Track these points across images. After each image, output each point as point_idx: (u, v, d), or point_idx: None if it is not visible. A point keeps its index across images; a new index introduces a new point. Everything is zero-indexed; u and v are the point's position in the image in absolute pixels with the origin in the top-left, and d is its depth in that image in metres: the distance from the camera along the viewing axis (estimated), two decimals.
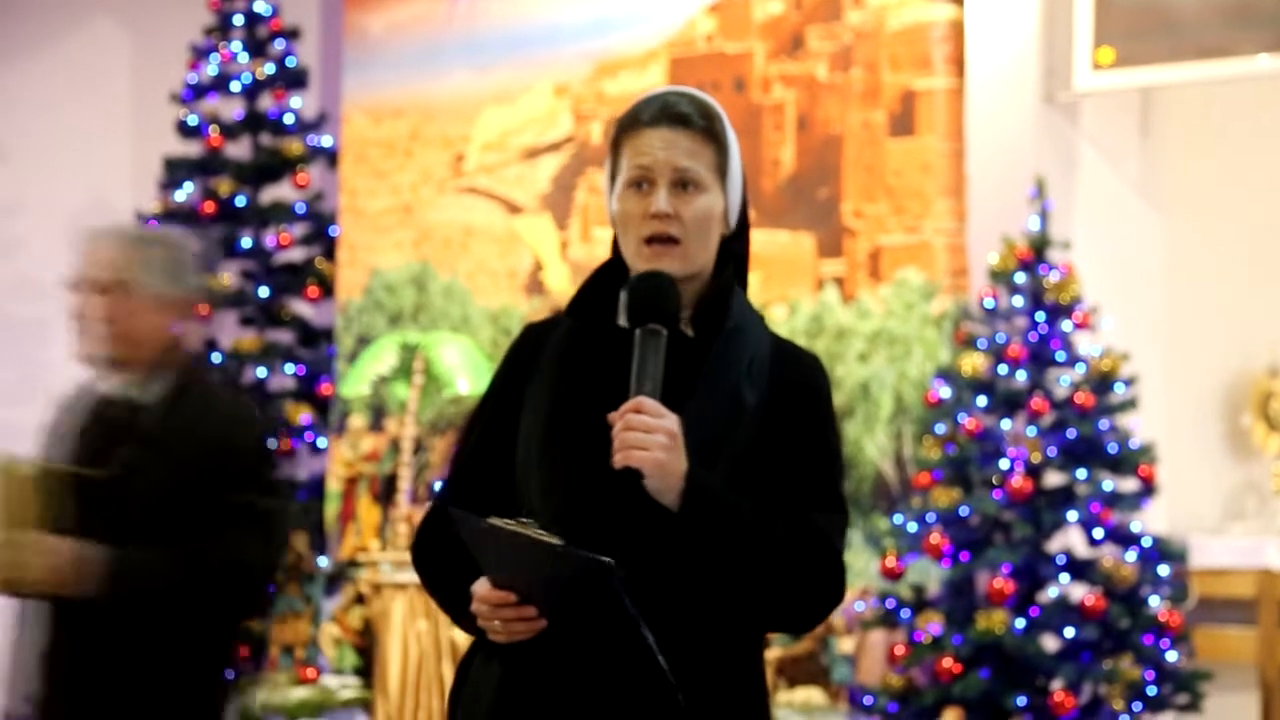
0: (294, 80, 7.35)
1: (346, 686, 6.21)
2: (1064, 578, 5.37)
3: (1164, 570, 5.44)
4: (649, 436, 2.19)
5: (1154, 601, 5.40)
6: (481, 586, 2.23)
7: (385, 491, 6.89)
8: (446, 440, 6.88)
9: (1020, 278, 5.61)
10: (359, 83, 7.32)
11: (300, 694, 6.14)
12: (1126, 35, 6.07)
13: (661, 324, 2.26)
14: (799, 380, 2.40)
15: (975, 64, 6.12)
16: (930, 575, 5.56)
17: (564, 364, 2.37)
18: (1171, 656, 5.37)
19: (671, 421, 2.21)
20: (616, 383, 2.27)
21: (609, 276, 2.40)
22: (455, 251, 7.07)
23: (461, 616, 2.33)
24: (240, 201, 7.24)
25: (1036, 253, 5.62)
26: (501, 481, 2.38)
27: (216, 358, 7.10)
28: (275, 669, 6.37)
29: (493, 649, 2.31)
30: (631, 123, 2.37)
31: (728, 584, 2.24)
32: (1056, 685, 5.29)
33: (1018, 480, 5.37)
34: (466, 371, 6.79)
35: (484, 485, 2.39)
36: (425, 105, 7.20)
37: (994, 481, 5.41)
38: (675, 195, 2.33)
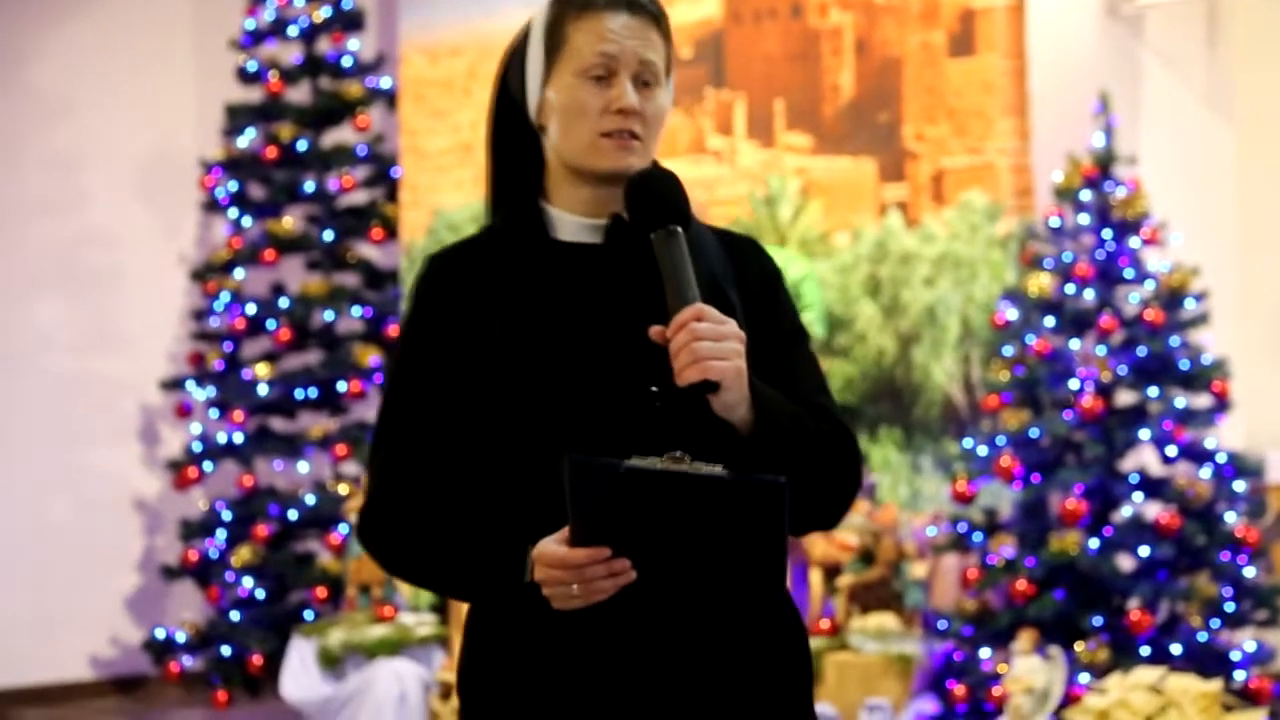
0: (350, 22, 7.32)
1: (423, 623, 6.20)
2: (1137, 496, 5.31)
3: (1239, 486, 5.37)
4: (723, 345, 1.96)
5: (1230, 518, 5.32)
6: (557, 549, 1.94)
7: None
8: None
9: (1086, 195, 5.53)
10: (415, 23, 7.26)
11: (379, 632, 6.14)
12: None
13: (677, 223, 2.04)
14: (757, 270, 2.17)
15: None
16: (1002, 498, 5.50)
17: (532, 283, 2.09)
18: (1249, 572, 5.30)
19: (734, 325, 1.99)
20: (608, 294, 2.07)
21: (513, 183, 2.16)
22: None
23: (465, 585, 2.07)
24: (302, 146, 7.25)
25: (1102, 169, 5.53)
26: (457, 425, 2.08)
27: (284, 302, 7.12)
28: (354, 608, 6.37)
29: (540, 621, 2.01)
30: (582, 3, 2.10)
31: (797, 488, 1.97)
32: (1132, 604, 5.24)
33: (1088, 400, 5.31)
34: None
35: (447, 432, 2.08)
36: (482, 43, 7.14)
37: (1064, 402, 5.35)
38: (638, 90, 2.09)
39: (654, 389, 2.03)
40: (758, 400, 2.01)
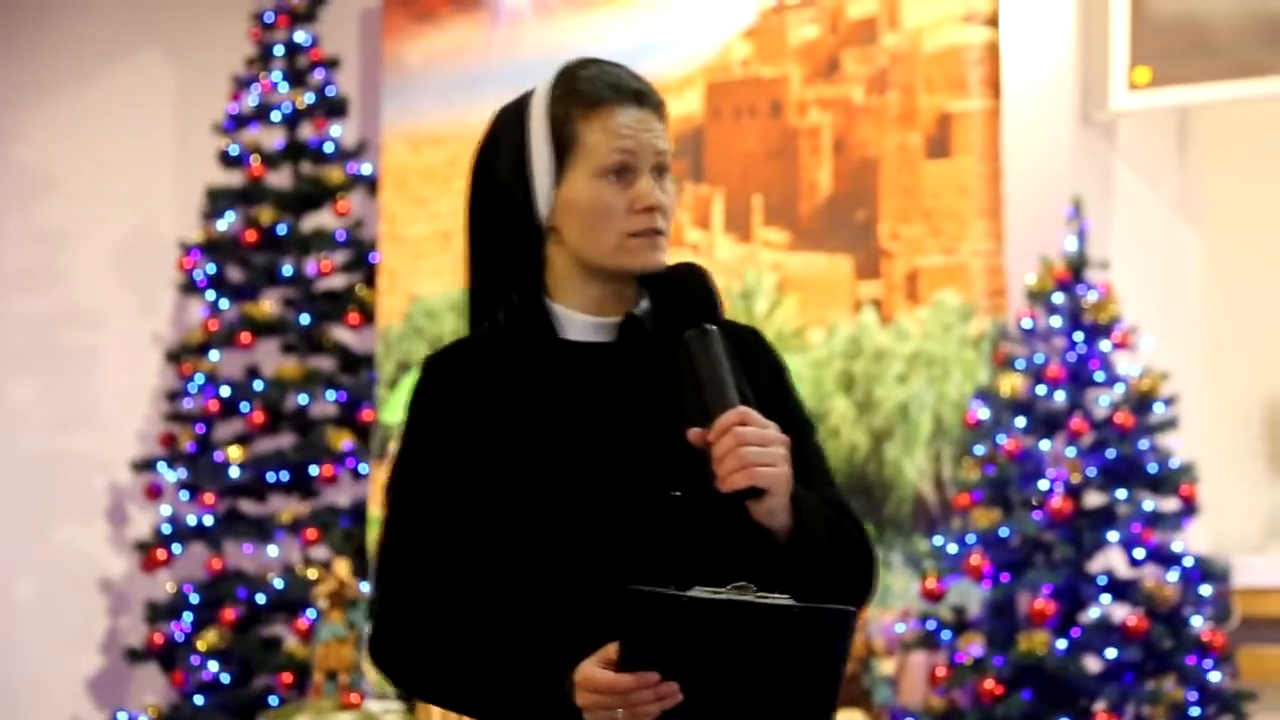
0: (334, 109, 7.35)
1: (390, 711, 6.15)
2: (1105, 598, 5.34)
3: (1206, 590, 5.40)
4: (769, 450, 1.92)
5: (1196, 621, 5.36)
6: (603, 674, 1.87)
7: None
8: None
9: (1058, 298, 5.59)
10: (398, 111, 7.32)
11: (344, 719, 6.12)
12: (1162, 55, 6.06)
13: (710, 321, 1.99)
14: (766, 364, 2.12)
15: (1011, 85, 6.10)
16: (971, 596, 5.51)
17: (542, 383, 2.03)
18: (1215, 677, 5.32)
19: (776, 429, 1.94)
20: (622, 395, 2.01)
21: (512, 284, 2.08)
22: None
23: (499, 708, 1.98)
24: (282, 229, 7.24)
25: (1074, 273, 5.61)
26: (468, 534, 2.01)
27: (258, 385, 7.12)
28: (320, 694, 6.35)
29: None
30: (590, 99, 2.04)
31: (823, 594, 1.96)
32: (1099, 706, 5.25)
33: (1058, 501, 5.35)
34: None
35: (458, 543, 2.02)
36: (464, 133, 7.18)
37: (1034, 502, 5.39)
38: (655, 181, 2.04)
39: (676, 493, 1.97)
40: (796, 506, 1.96)
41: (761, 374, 2.08)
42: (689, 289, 2.01)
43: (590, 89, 2.04)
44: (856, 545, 2.03)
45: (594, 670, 1.88)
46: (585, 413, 2.00)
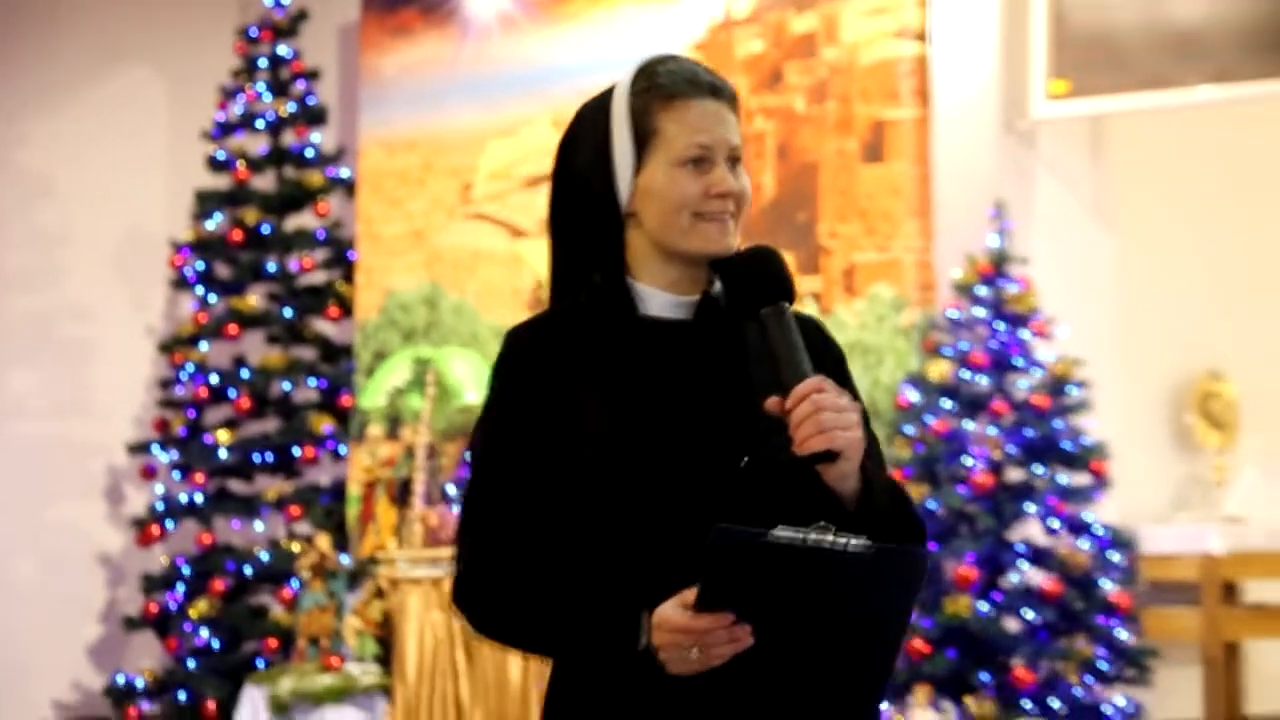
0: (314, 117, 7.40)
1: (368, 673, 6.22)
2: (1024, 565, 5.41)
3: (1115, 557, 5.47)
4: (845, 416, 1.90)
5: (1106, 585, 5.43)
6: (681, 614, 1.85)
7: (401, 494, 6.89)
8: (457, 446, 6.91)
9: (982, 291, 5.66)
10: (374, 119, 7.36)
11: (325, 681, 6.17)
12: (1079, 68, 6.10)
13: (785, 299, 1.98)
14: (828, 351, 2.09)
15: (940, 96, 6.15)
16: None
17: (623, 355, 2.02)
18: (1122, 635, 5.40)
19: (849, 399, 1.93)
20: (697, 368, 2.01)
21: (594, 265, 2.08)
22: (464, 273, 7.12)
23: (575, 648, 1.97)
24: (266, 230, 7.29)
25: (997, 268, 5.67)
26: (548, 493, 2.00)
27: (245, 374, 7.17)
28: (303, 659, 6.39)
29: (637, 684, 1.92)
30: (668, 92, 2.04)
31: None
32: (1017, 663, 5.32)
33: (981, 476, 5.42)
34: (475, 383, 6.90)
35: (538, 501, 2.00)
36: (435, 139, 7.25)
37: (960, 478, 5.44)
38: (729, 172, 2.04)
39: (744, 460, 1.96)
40: (865, 475, 1.95)
41: (825, 360, 2.05)
42: (764, 269, 2.01)
43: (669, 83, 2.04)
44: (914, 520, 2.01)
45: (672, 611, 1.87)
46: (662, 383, 2.00)
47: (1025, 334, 5.64)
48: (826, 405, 1.89)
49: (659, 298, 2.06)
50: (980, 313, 5.67)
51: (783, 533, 1.80)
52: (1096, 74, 6.12)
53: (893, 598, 1.87)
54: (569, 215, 2.11)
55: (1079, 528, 5.51)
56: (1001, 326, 5.64)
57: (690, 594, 1.86)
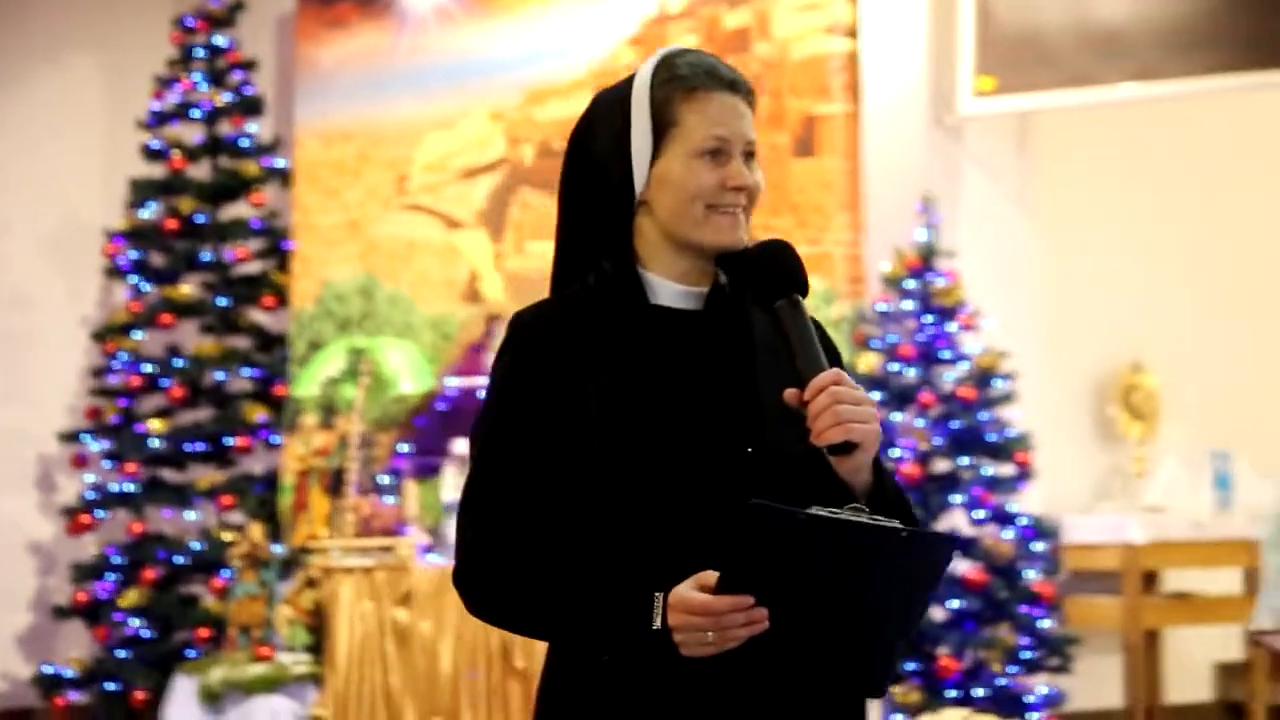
0: (250, 107, 7.40)
1: (299, 662, 6.21)
2: None
3: (1039, 546, 5.57)
4: (862, 409, 1.91)
5: (1030, 575, 5.51)
6: (699, 595, 1.83)
7: (334, 484, 6.87)
8: (391, 436, 6.95)
9: (911, 284, 5.73)
10: (310, 110, 7.37)
11: (257, 670, 6.16)
12: (1005, 65, 6.19)
13: (799, 293, 1.99)
14: (830, 346, 2.08)
15: (869, 91, 6.22)
16: None
17: (632, 343, 2.02)
18: (1045, 624, 5.49)
19: (865, 392, 1.95)
20: (706, 358, 2.02)
21: (604, 251, 2.07)
22: (399, 263, 7.14)
23: (584, 632, 1.94)
24: (201, 219, 7.28)
25: (925, 261, 5.74)
26: (553, 479, 1.99)
27: (178, 363, 7.15)
28: (234, 648, 6.39)
29: (643, 670, 1.91)
30: (690, 84, 2.04)
31: None
32: (942, 652, 5.41)
33: (908, 466, 5.50)
34: (409, 373, 6.91)
35: (543, 486, 1.99)
36: (372, 130, 7.28)
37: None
38: (746, 167, 2.04)
39: (749, 450, 1.97)
40: (877, 468, 1.96)
41: (831, 356, 2.05)
42: (779, 262, 2.02)
43: (690, 74, 2.04)
44: (914, 516, 2.01)
45: (689, 591, 1.85)
46: (673, 371, 2.01)
47: (952, 327, 5.71)
48: (845, 397, 1.90)
49: (669, 288, 2.07)
50: (908, 306, 5.74)
51: (817, 510, 1.80)
52: (1023, 71, 6.20)
53: (916, 582, 1.88)
54: (582, 201, 2.10)
55: (1004, 518, 5.58)
56: (929, 319, 5.71)
57: (707, 576, 1.86)
